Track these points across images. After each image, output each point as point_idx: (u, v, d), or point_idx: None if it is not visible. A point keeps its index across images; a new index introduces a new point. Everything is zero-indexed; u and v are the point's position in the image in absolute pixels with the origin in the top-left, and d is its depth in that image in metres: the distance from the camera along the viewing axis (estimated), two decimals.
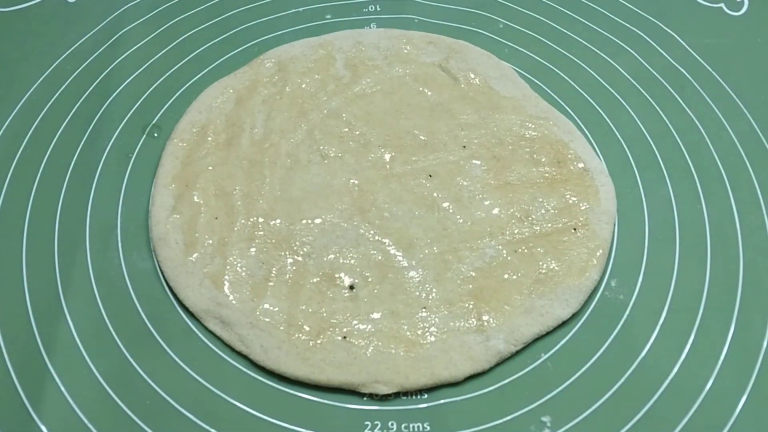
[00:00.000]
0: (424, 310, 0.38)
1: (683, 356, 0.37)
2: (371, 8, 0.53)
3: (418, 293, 0.39)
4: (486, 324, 0.38)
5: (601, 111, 0.47)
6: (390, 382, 0.36)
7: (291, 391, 0.37)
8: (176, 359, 0.37)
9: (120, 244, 0.41)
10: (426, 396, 0.37)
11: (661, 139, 0.46)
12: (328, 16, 0.52)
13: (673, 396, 0.36)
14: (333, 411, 0.36)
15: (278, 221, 0.42)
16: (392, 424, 0.36)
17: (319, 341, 0.37)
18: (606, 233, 0.41)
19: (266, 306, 0.39)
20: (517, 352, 0.37)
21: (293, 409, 0.36)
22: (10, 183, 0.44)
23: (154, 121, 0.47)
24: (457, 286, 0.39)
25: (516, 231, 0.41)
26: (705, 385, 0.36)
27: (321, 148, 0.45)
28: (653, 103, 0.48)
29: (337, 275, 0.40)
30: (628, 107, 0.47)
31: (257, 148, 0.45)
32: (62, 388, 0.36)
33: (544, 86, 0.49)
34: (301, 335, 0.38)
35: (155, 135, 0.46)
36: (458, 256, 0.40)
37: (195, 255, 0.40)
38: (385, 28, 0.52)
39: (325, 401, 0.36)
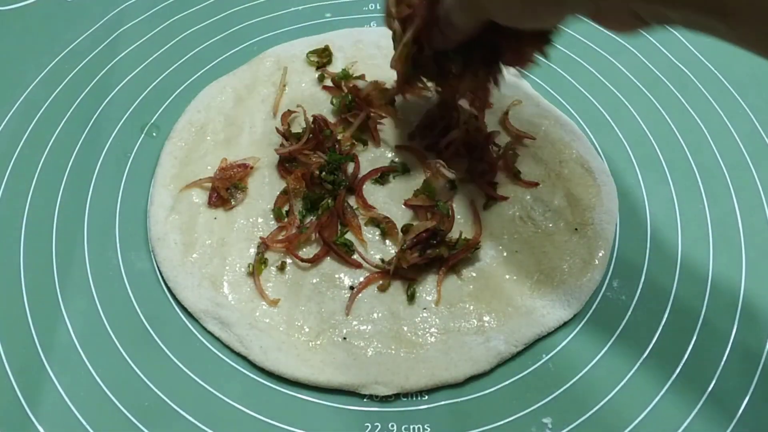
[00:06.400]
0: (424, 310, 0.38)
1: (685, 357, 0.37)
2: (371, 6, 0.53)
3: (418, 294, 0.39)
4: (487, 325, 0.38)
5: (602, 110, 0.47)
6: (390, 383, 0.36)
7: (290, 393, 0.36)
8: (175, 360, 0.37)
9: (118, 244, 0.41)
10: (426, 397, 0.36)
11: (663, 138, 0.46)
12: (328, 15, 0.52)
13: (675, 397, 0.36)
14: (333, 412, 0.36)
15: None
16: (392, 426, 0.35)
17: (318, 342, 0.37)
18: (608, 233, 0.41)
19: (265, 306, 0.38)
20: (518, 353, 0.37)
21: (293, 410, 0.36)
22: (8, 182, 0.43)
23: (152, 121, 0.46)
24: (458, 286, 0.39)
25: (517, 231, 0.41)
26: (707, 386, 0.36)
27: None
28: (655, 102, 0.47)
29: (337, 275, 0.39)
30: (629, 106, 0.47)
31: (256, 148, 0.44)
32: (60, 389, 0.36)
33: (545, 85, 0.48)
34: (300, 336, 0.37)
35: (154, 134, 0.46)
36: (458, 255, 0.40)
37: (194, 255, 0.40)
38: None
39: (325, 402, 0.36)
